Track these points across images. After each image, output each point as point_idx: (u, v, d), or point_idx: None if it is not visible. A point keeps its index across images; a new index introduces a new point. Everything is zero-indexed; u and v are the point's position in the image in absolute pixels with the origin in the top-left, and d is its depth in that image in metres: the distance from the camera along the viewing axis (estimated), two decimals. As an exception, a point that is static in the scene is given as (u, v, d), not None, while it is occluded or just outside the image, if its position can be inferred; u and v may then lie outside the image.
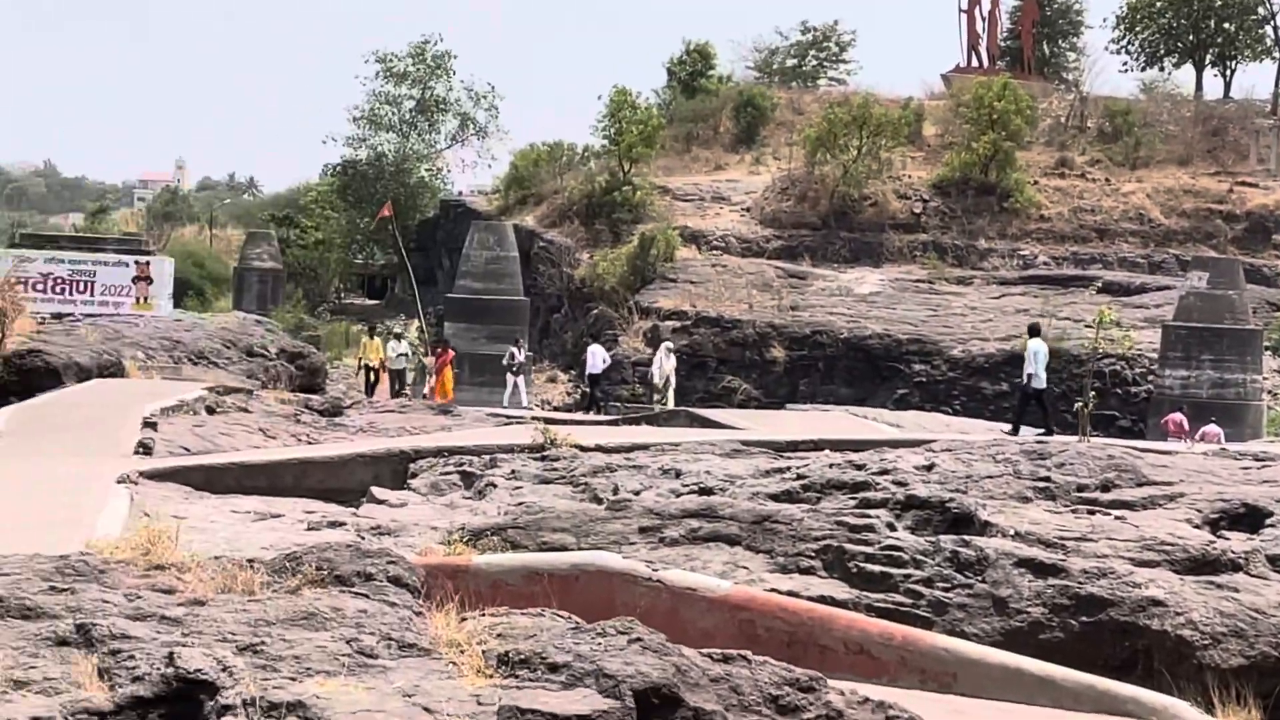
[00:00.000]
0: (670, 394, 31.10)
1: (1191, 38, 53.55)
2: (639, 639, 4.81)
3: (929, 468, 11.21)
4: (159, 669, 4.01)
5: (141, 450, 11.59)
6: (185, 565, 5.06)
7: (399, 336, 35.93)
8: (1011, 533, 9.23)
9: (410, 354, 33.96)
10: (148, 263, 34.21)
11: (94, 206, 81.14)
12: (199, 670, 3.97)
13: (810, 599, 7.59)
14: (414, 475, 11.84)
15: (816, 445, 14.11)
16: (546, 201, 48.48)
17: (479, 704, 4.03)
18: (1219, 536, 9.80)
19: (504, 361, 30.85)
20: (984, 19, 53.35)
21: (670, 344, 32.90)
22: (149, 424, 13.01)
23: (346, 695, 3.92)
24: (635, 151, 44.86)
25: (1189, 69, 55.39)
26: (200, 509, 9.87)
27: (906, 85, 75.72)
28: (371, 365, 32.37)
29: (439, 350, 31.64)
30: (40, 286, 31.17)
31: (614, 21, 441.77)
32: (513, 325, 33.49)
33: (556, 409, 32.96)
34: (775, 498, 10.22)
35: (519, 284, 36.13)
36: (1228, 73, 54.74)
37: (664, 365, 31.30)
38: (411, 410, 19.83)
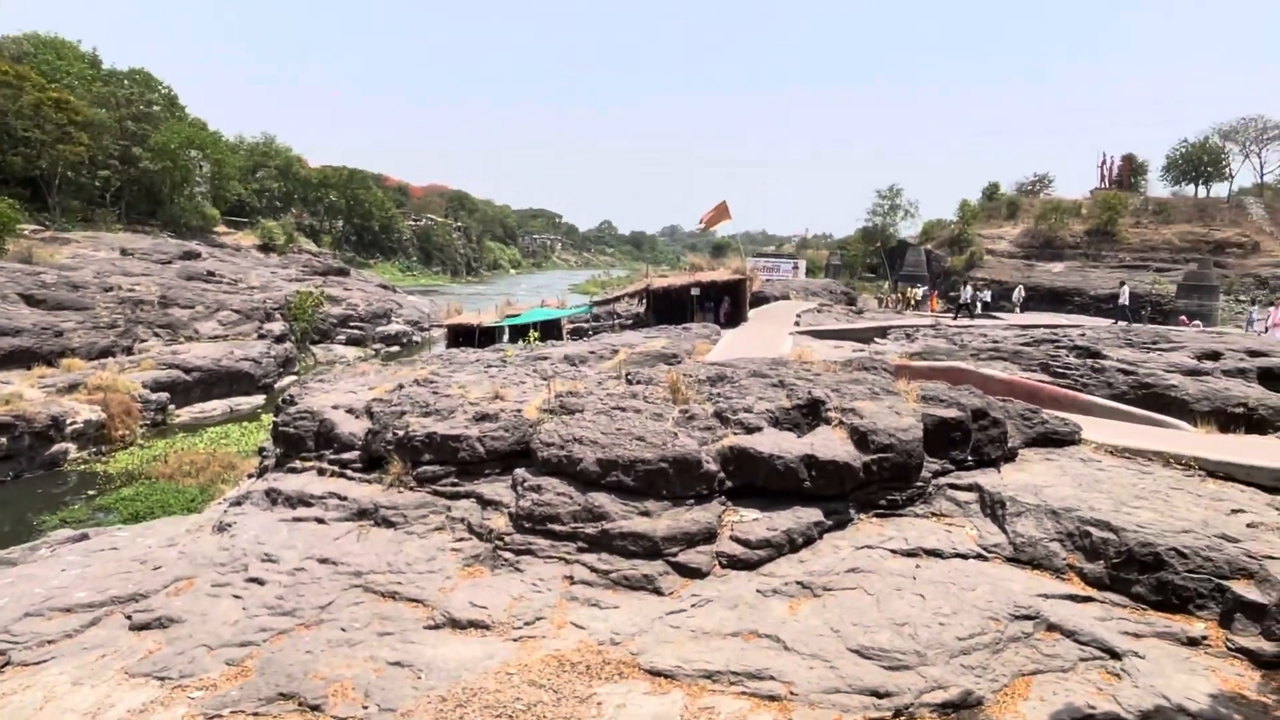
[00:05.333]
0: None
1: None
2: (972, 391, 12.68)
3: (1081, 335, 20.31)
4: (806, 394, 11.91)
5: (795, 324, 26.25)
6: (809, 361, 13.07)
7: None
8: (1114, 357, 17.33)
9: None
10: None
11: None
12: (817, 397, 11.84)
13: (1034, 380, 15.87)
14: (885, 336, 25.97)
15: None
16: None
17: (914, 415, 11.81)
18: (1201, 360, 18.06)
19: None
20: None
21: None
22: (799, 316, 30.56)
23: (871, 406, 11.74)
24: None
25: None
26: (818, 345, 22.38)
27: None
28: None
29: None
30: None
31: None
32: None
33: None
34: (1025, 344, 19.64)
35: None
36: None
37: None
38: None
